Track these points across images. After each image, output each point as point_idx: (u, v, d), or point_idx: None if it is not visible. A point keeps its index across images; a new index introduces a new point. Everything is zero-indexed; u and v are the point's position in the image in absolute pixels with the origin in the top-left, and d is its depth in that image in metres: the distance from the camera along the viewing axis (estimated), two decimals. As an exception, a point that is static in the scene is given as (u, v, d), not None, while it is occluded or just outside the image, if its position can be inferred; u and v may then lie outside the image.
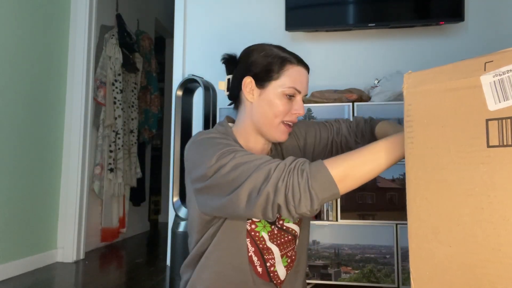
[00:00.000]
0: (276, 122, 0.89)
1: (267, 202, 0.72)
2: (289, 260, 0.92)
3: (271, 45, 0.93)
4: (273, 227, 0.90)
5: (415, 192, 0.59)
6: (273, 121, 0.89)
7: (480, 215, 0.52)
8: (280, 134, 0.90)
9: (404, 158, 0.67)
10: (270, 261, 0.88)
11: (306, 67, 0.92)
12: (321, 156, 1.03)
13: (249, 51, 0.93)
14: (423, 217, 0.58)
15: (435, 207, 0.56)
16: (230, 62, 0.96)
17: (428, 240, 0.57)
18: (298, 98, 0.90)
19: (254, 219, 0.87)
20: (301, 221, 0.97)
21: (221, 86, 1.00)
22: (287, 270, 0.92)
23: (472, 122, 0.53)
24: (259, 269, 0.88)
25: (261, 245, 0.88)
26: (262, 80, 0.89)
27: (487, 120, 0.52)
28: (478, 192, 0.52)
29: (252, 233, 0.87)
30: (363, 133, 1.02)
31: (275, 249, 0.89)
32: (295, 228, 0.93)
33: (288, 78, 0.88)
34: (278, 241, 0.90)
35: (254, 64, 0.90)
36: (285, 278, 0.92)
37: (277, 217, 0.91)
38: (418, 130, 0.59)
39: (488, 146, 0.51)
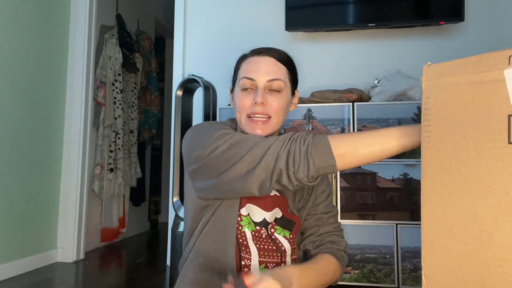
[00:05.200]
0: (243, 119, 0.88)
1: (266, 172, 0.74)
2: None
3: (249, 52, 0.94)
4: (259, 228, 0.88)
5: (429, 187, 0.57)
6: (240, 119, 0.89)
7: (498, 212, 0.50)
8: (251, 131, 0.87)
9: (415, 147, 0.67)
10: (245, 260, 0.87)
11: (264, 53, 0.89)
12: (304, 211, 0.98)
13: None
14: (437, 213, 0.56)
15: (451, 203, 0.55)
16: None
17: (442, 236, 0.55)
18: (258, 89, 0.86)
19: (241, 213, 0.87)
20: (294, 240, 0.93)
21: None
22: None
23: (493, 117, 0.51)
24: (235, 264, 0.87)
25: (241, 240, 0.87)
26: (232, 85, 0.95)
27: (509, 116, 0.50)
28: (497, 189, 0.50)
29: (236, 225, 0.87)
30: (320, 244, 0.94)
31: (254, 250, 0.87)
32: (284, 243, 0.90)
33: (241, 72, 0.90)
34: (260, 245, 0.88)
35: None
36: None
37: (271, 224, 0.89)
38: (436, 124, 0.57)
39: (509, 143, 0.49)
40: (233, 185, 0.78)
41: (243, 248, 0.87)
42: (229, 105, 1.09)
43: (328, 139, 0.73)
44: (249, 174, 0.75)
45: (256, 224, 0.88)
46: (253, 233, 0.87)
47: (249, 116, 0.87)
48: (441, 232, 0.55)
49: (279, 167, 0.73)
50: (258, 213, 0.88)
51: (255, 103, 0.85)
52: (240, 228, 0.87)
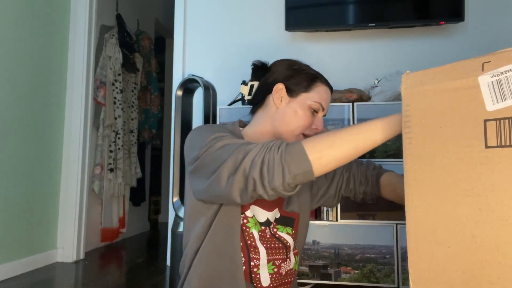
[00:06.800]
0: (297, 132, 0.93)
1: (243, 178, 0.73)
2: (275, 269, 0.90)
3: (301, 62, 1.00)
4: (263, 227, 0.90)
5: (413, 193, 0.59)
6: (294, 131, 0.93)
7: (479, 215, 0.52)
8: None
9: (385, 141, 0.69)
10: (254, 260, 0.88)
11: (331, 89, 0.99)
12: (323, 183, 1.08)
13: (282, 62, 0.99)
14: (421, 218, 0.57)
15: (434, 207, 0.56)
16: (260, 68, 1.01)
17: (427, 240, 0.57)
18: (320, 115, 0.95)
19: (247, 214, 0.89)
20: (296, 235, 0.97)
21: (243, 89, 1.06)
22: (271, 280, 0.90)
23: (470, 122, 0.53)
24: (242, 267, 0.88)
25: (249, 242, 0.88)
26: (293, 90, 0.94)
27: (485, 121, 0.52)
28: (476, 193, 0.52)
29: (243, 227, 0.88)
30: (367, 178, 1.06)
31: (262, 250, 0.89)
32: (288, 239, 0.94)
33: (317, 94, 0.94)
34: (267, 245, 0.90)
35: (288, 74, 0.96)
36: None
37: (273, 224, 0.92)
38: (416, 130, 0.59)
39: (486, 147, 0.51)
40: (218, 191, 0.78)
41: (251, 249, 0.88)
42: (230, 104, 1.08)
43: (302, 144, 0.71)
44: (230, 180, 0.75)
45: (261, 224, 0.90)
46: (260, 233, 0.90)
47: (303, 134, 0.94)
48: (425, 237, 0.57)
49: (252, 175, 0.72)
50: (261, 214, 0.91)
51: (317, 128, 0.94)
52: (247, 229, 0.88)
